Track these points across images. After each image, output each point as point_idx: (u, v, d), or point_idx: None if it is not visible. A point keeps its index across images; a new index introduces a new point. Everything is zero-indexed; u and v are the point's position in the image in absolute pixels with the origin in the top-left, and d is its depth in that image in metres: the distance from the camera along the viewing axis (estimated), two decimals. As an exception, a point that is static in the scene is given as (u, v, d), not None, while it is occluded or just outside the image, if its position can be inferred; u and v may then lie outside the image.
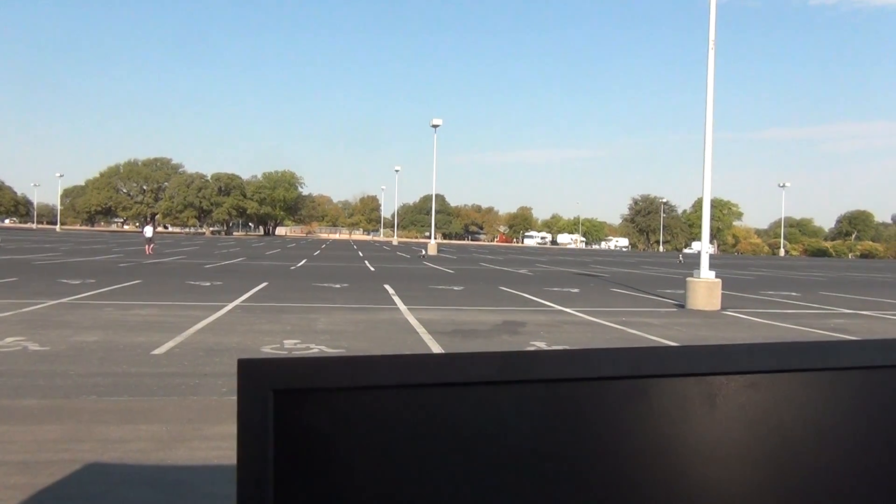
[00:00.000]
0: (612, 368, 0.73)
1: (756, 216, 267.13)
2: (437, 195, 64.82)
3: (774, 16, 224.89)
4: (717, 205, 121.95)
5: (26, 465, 4.27)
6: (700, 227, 17.02)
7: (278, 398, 0.68)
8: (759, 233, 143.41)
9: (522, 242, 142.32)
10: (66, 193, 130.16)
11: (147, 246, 34.49)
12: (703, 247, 16.58)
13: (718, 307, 15.43)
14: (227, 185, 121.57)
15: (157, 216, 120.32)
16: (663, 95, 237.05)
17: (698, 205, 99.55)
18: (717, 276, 16.10)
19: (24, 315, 11.04)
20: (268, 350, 8.72)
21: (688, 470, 0.75)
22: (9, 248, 35.89)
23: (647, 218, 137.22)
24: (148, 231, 36.17)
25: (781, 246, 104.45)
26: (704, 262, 16.08)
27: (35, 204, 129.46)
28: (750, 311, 15.43)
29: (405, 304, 14.36)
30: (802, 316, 14.91)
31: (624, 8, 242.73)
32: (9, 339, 8.77)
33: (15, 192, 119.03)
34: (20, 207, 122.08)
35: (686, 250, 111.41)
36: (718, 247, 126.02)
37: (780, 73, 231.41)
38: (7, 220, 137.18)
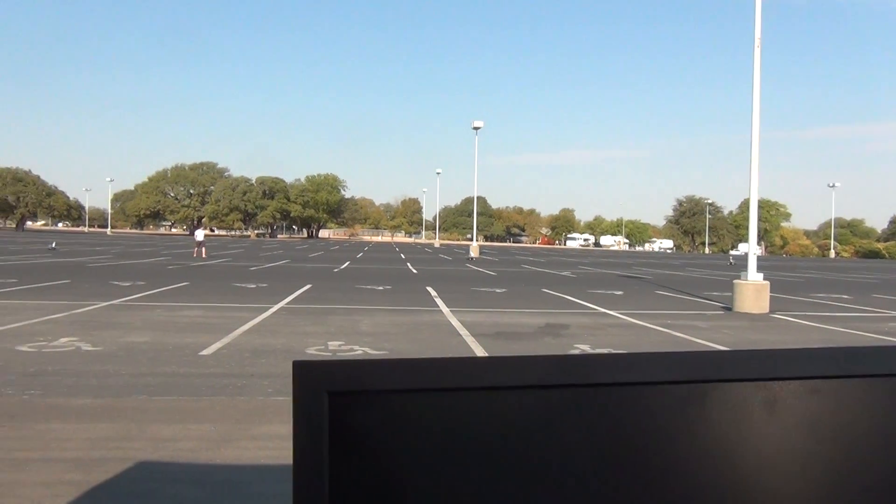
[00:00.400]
0: (666, 373, 0.72)
1: (805, 217, 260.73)
2: (478, 197, 64.84)
3: (821, 11, 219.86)
4: (764, 205, 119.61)
5: (81, 463, 4.39)
6: (747, 228, 16.71)
7: (333, 400, 0.68)
8: (808, 234, 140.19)
9: (565, 244, 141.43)
10: (117, 198, 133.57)
11: (197, 249, 35.07)
12: (751, 248, 16.27)
13: (767, 310, 15.13)
14: (272, 189, 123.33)
15: (203, 219, 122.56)
16: (708, 94, 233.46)
17: (745, 205, 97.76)
18: (764, 279, 15.78)
19: (78, 316, 11.34)
20: (312, 351, 8.81)
21: (746, 478, 0.73)
22: (62, 250, 36.91)
23: (691, 219, 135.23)
24: (199, 234, 36.72)
25: (831, 247, 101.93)
26: (752, 263, 15.77)
27: (87, 208, 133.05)
28: (799, 314, 15.09)
29: (448, 307, 14.38)
30: (854, 319, 14.53)
31: (668, 5, 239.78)
32: (63, 340, 9.02)
33: (68, 197, 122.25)
34: (73, 211, 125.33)
35: (732, 252, 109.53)
36: (766, 248, 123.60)
37: (828, 70, 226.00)
38: (60, 224, 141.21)
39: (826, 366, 0.75)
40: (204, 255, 33.85)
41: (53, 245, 41.45)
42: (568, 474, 0.70)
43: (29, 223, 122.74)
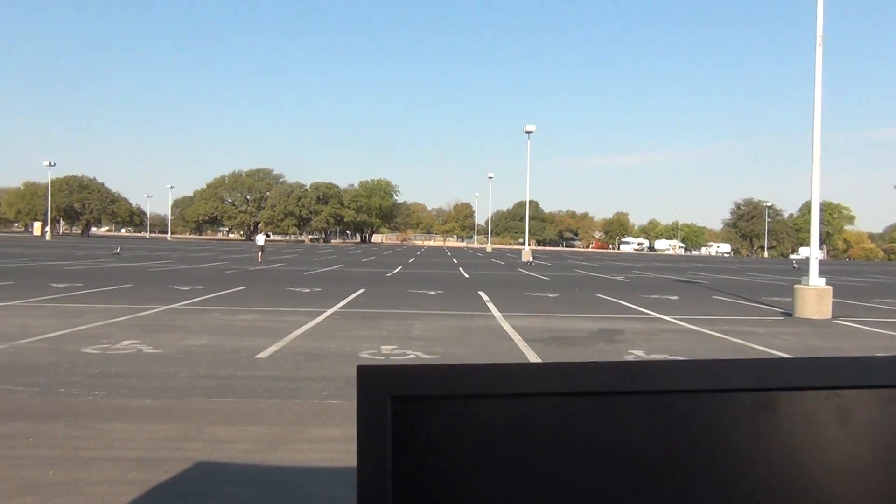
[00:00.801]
0: (734, 380, 0.71)
1: (869, 220, 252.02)
2: (530, 201, 64.55)
3: (886, 7, 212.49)
4: (826, 208, 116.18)
5: (142, 462, 4.51)
6: (808, 231, 16.25)
7: (396, 404, 0.69)
8: (872, 237, 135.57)
9: (618, 248, 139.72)
10: (176, 204, 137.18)
11: (259, 254, 35.62)
12: (812, 252, 15.82)
13: (829, 316, 14.67)
14: (325, 194, 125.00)
15: (259, 224, 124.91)
16: (768, 94, 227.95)
17: (806, 208, 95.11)
18: (826, 283, 15.32)
19: (139, 319, 11.67)
20: (365, 355, 8.88)
21: (817, 490, 0.71)
22: (126, 255, 38.05)
23: (750, 222, 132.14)
24: (260, 240, 37.37)
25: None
26: (813, 268, 15.33)
27: (148, 214, 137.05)
28: (863, 320, 14.60)
29: (500, 311, 14.35)
30: (924, 326, 13.98)
31: (725, 4, 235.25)
32: (126, 342, 9.29)
33: (130, 204, 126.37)
34: (135, 217, 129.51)
35: (792, 256, 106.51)
36: (828, 252, 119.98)
37: (894, 67, 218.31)
38: (123, 230, 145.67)
39: None
40: (259, 260, 34.42)
41: (118, 250, 42.81)
42: (631, 482, 0.70)
43: (94, 229, 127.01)
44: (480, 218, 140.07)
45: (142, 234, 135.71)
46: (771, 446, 0.70)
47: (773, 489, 0.70)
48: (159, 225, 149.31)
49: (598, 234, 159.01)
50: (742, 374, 0.71)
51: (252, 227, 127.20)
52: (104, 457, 4.61)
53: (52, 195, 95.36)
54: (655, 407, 0.70)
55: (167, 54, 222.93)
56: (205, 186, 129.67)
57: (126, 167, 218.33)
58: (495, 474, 0.69)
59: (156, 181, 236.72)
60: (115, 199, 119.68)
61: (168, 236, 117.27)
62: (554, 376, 0.70)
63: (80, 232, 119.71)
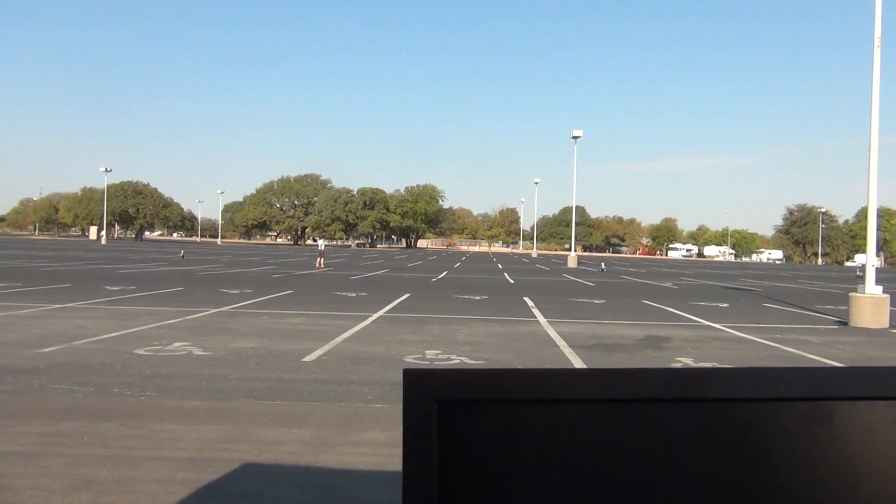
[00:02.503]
0: (789, 389, 0.69)
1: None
2: (576, 207, 64.04)
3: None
4: (884, 214, 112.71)
5: (192, 462, 4.60)
6: (864, 238, 15.78)
7: (441, 408, 0.69)
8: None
9: (666, 255, 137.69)
10: (226, 209, 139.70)
11: (319, 259, 35.85)
12: (869, 259, 15.37)
13: (886, 325, 14.22)
14: (372, 199, 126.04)
15: (306, 229, 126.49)
16: (822, 97, 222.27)
17: (862, 214, 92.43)
18: (884, 292, 14.86)
19: (190, 322, 11.91)
20: (410, 360, 8.91)
21: (875, 501, 0.69)
22: (183, 259, 38.91)
23: (803, 229, 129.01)
24: (321, 244, 37.96)
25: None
26: (870, 275, 14.89)
27: (199, 219, 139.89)
28: (924, 330, 14.10)
29: (545, 317, 14.26)
30: None
31: (777, 7, 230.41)
32: (176, 344, 9.49)
33: (182, 209, 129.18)
34: (186, 222, 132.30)
35: (851, 263, 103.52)
36: (886, 259, 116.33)
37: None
38: (175, 234, 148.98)
39: None
40: (317, 265, 34.59)
41: (182, 255, 44.04)
42: (680, 492, 0.69)
43: (147, 233, 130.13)
44: (526, 223, 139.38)
45: (193, 238, 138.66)
46: (827, 457, 0.69)
47: (829, 501, 0.69)
48: (210, 229, 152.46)
49: (645, 240, 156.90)
50: (796, 383, 0.69)
51: (299, 232, 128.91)
52: (155, 456, 4.71)
53: (107, 200, 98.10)
54: (706, 415, 0.69)
55: (219, 66, 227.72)
56: (254, 192, 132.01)
57: (178, 173, 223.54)
58: (540, 481, 0.69)
59: (207, 186, 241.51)
60: (167, 203, 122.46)
61: (218, 240, 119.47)
62: (600, 383, 0.69)
63: (133, 236, 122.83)
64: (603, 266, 45.82)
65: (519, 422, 0.69)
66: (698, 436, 0.69)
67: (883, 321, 14.30)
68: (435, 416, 0.69)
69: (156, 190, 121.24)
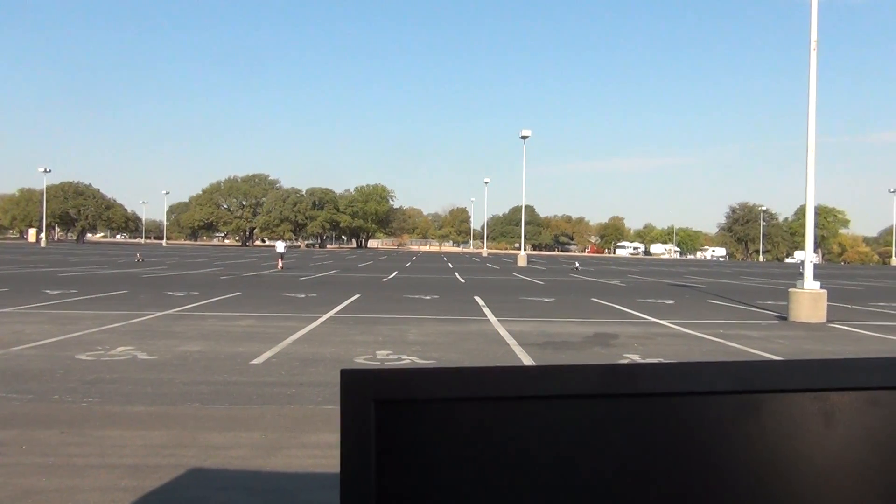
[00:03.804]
0: (719, 383, 0.71)
1: (864, 224, 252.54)
2: (526, 206, 64.63)
3: (880, 10, 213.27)
4: (821, 212, 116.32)
5: (136, 469, 4.49)
6: (803, 235, 16.28)
7: (380, 408, 0.69)
8: (867, 241, 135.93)
9: (614, 253, 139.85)
10: (172, 210, 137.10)
11: (279, 261, 35.06)
12: (807, 256, 15.85)
13: (824, 319, 14.70)
14: (321, 200, 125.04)
15: (255, 230, 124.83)
16: (762, 99, 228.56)
17: (801, 212, 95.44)
18: (822, 287, 15.35)
19: (134, 325, 11.64)
20: (361, 360, 8.87)
21: (802, 492, 0.71)
22: (120, 262, 37.97)
23: (745, 227, 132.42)
24: (280, 246, 36.89)
25: (893, 255, 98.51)
26: (808, 271, 15.36)
27: (143, 220, 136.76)
28: (858, 324, 14.63)
29: (495, 316, 14.34)
30: (918, 329, 14.01)
31: (720, 9, 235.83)
32: (120, 349, 9.27)
33: (125, 210, 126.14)
34: (130, 223, 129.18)
35: (788, 259, 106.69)
36: (823, 256, 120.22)
37: (887, 72, 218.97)
38: (118, 236, 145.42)
39: (886, 376, 0.72)
40: (278, 267, 34.02)
41: (139, 257, 43.05)
42: (616, 486, 0.70)
43: (89, 235, 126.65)
44: (476, 223, 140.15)
45: (137, 240, 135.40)
46: (756, 449, 0.71)
47: (758, 491, 0.70)
48: (154, 231, 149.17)
49: (593, 239, 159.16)
50: (726, 377, 0.71)
51: (247, 233, 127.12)
52: (98, 464, 4.59)
53: (47, 201, 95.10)
54: (640, 410, 0.70)
55: (161, 61, 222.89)
56: (200, 192, 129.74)
57: (121, 173, 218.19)
58: (480, 478, 0.69)
59: (151, 187, 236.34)
60: (110, 205, 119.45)
61: (163, 242, 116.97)
62: (538, 379, 0.70)
63: (75, 238, 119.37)
64: (577, 265, 46.17)
65: (457, 420, 0.69)
66: (633, 430, 0.70)
67: (821, 315, 14.77)
68: (373, 417, 0.69)
69: (98, 191, 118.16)
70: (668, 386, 0.70)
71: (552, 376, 0.70)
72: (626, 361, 9.19)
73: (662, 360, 9.30)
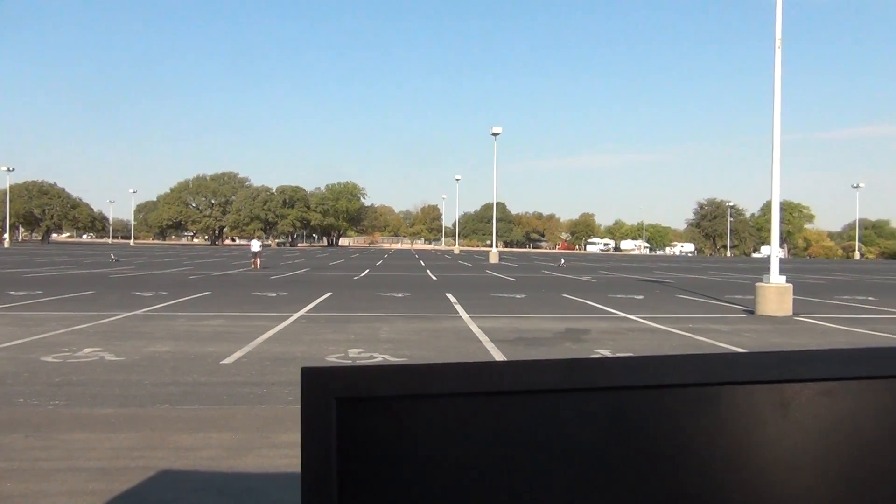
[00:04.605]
0: (678, 376, 0.72)
1: (829, 219, 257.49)
2: (497, 203, 64.77)
3: (843, 9, 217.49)
4: (787, 207, 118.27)
5: (104, 472, 4.43)
6: (769, 230, 16.54)
7: (341, 406, 0.69)
8: (832, 235, 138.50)
9: (585, 249, 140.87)
10: (139, 209, 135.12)
11: (254, 260, 34.41)
12: (773, 251, 16.11)
13: (790, 313, 14.96)
14: (292, 198, 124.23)
15: (224, 229, 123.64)
16: (730, 96, 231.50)
17: (767, 208, 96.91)
18: (787, 281, 15.61)
19: (102, 326, 11.47)
20: (332, 359, 8.83)
21: (759, 481, 0.72)
22: (86, 262, 37.37)
23: (713, 222, 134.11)
24: (255, 245, 36.00)
25: (856, 249, 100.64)
26: (774, 266, 15.62)
27: (111, 219, 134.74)
28: (823, 317, 14.91)
29: (467, 313, 14.37)
30: (881, 321, 14.32)
31: (687, 7, 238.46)
32: (87, 350, 9.12)
33: (92, 209, 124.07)
34: (97, 223, 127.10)
35: (755, 254, 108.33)
36: (789, 251, 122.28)
37: (852, 69, 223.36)
38: (85, 236, 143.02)
39: (840, 367, 0.74)
40: (256, 266, 33.41)
41: (113, 257, 42.38)
42: (578, 479, 0.70)
43: (54, 235, 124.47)
44: (448, 220, 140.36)
45: (104, 239, 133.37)
46: (715, 440, 0.72)
47: (716, 482, 0.71)
48: (122, 230, 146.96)
49: (564, 236, 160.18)
50: (685, 370, 0.72)
51: (216, 232, 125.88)
52: (64, 467, 4.52)
53: (10, 201, 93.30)
54: (599, 404, 0.71)
55: (127, 57, 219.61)
56: (168, 191, 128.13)
57: (87, 172, 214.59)
58: (442, 475, 0.69)
59: (118, 186, 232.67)
60: (76, 204, 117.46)
61: (131, 242, 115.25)
62: (500, 375, 0.70)
63: (40, 239, 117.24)
64: (563, 262, 46.36)
65: (419, 417, 0.69)
66: (594, 424, 0.70)
67: (787, 309, 15.02)
68: (334, 415, 0.68)
69: (63, 190, 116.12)
70: (629, 380, 0.71)
71: (513, 372, 0.70)
72: (596, 356, 9.28)
73: (632, 356, 9.40)
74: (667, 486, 0.71)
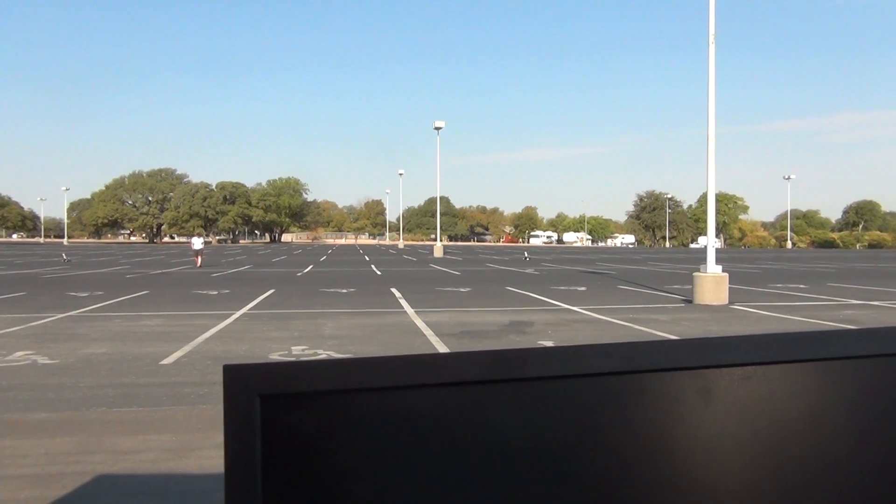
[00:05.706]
0: (604, 364, 0.73)
1: (762, 209, 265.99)
2: (441, 197, 64.85)
3: (775, 7, 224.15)
4: (722, 199, 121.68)
5: (38, 479, 4.28)
6: (706, 221, 16.99)
7: (265, 403, 0.67)
8: (765, 226, 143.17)
9: (528, 242, 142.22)
10: (73, 207, 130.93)
11: (196, 257, 33.32)
12: (709, 241, 16.54)
13: (726, 301, 15.39)
14: (232, 194, 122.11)
15: (163, 226, 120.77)
16: (666, 91, 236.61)
17: (703, 199, 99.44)
18: (723, 271, 16.06)
19: (33, 329, 11.08)
20: (275, 357, 8.73)
21: (684, 465, 0.74)
22: (18, 262, 36.03)
23: (652, 214, 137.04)
24: (196, 243, 34.56)
25: (788, 238, 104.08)
26: (711, 256, 16.04)
27: (42, 218, 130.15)
28: (758, 305, 15.38)
29: (412, 308, 14.36)
30: (811, 308, 14.85)
31: (624, 4, 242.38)
32: (18, 354, 8.81)
33: (21, 207, 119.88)
34: (27, 222, 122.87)
35: (692, 245, 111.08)
36: (725, 241, 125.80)
37: (782, 64, 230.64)
38: (15, 235, 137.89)
39: (758, 352, 0.76)
40: (197, 264, 32.42)
41: (65, 257, 40.92)
42: (506, 471, 0.70)
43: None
44: (392, 215, 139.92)
45: (35, 239, 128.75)
46: (639, 426, 0.73)
47: (642, 468, 0.73)
48: (55, 229, 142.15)
49: (508, 229, 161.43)
50: (609, 358, 0.73)
51: (154, 230, 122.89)
52: (-5, 475, 4.35)
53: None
54: (529, 394, 0.71)
55: (56, 49, 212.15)
56: (103, 188, 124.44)
57: (16, 169, 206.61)
58: (369, 470, 0.68)
59: (50, 183, 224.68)
60: (4, 202, 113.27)
61: (64, 241, 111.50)
62: (426, 367, 0.70)
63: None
64: (526, 255, 46.40)
65: (345, 412, 0.68)
66: (522, 414, 0.71)
67: (723, 298, 15.45)
68: (257, 413, 0.67)
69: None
70: (556, 369, 0.72)
71: (441, 364, 0.70)
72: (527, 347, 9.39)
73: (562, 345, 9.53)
74: (593, 474, 0.72)
